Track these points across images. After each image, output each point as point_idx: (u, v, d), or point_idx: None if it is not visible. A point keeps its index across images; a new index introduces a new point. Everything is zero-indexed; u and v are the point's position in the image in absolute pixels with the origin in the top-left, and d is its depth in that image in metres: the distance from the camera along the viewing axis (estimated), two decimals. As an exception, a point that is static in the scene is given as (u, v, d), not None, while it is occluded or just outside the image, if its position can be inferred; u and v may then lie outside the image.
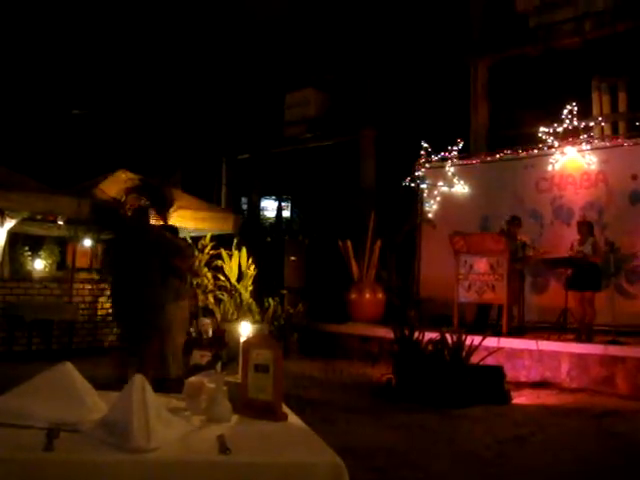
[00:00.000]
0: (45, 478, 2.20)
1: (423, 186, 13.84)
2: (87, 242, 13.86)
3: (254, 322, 11.12)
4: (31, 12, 16.73)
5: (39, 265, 14.84)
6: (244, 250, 12.93)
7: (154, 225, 7.36)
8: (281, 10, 16.52)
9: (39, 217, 12.53)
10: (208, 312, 12.13)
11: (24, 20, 16.77)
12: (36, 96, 17.40)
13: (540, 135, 12.28)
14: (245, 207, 19.63)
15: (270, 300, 12.83)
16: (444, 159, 13.58)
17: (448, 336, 8.79)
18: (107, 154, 15.89)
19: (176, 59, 17.60)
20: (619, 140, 12.22)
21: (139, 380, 2.54)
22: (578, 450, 6.34)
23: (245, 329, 3.26)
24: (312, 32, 16.49)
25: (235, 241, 13.22)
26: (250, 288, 12.75)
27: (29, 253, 14.91)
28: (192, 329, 3.42)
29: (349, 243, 13.41)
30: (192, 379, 3.04)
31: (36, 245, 14.99)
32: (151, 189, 7.73)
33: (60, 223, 12.52)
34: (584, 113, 12.44)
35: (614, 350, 9.52)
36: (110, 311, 10.80)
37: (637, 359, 9.29)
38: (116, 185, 10.80)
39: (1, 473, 2.18)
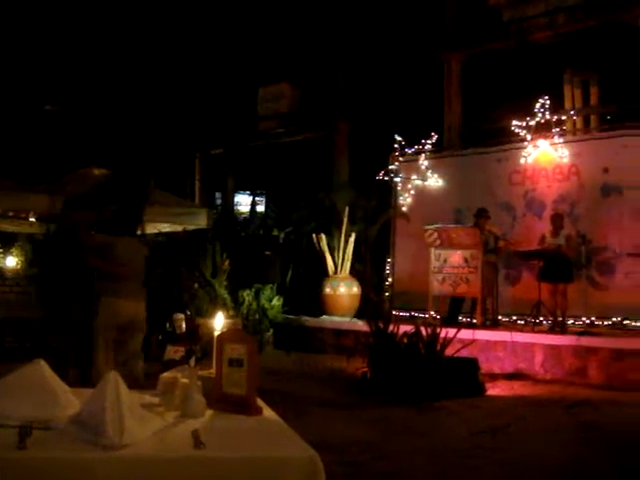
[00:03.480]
0: (18, 477, 2.18)
1: (397, 180, 13.88)
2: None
3: (228, 317, 11.09)
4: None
5: (11, 262, 14.67)
6: (218, 245, 12.88)
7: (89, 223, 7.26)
8: (254, 4, 16.47)
9: (11, 214, 12.37)
10: (182, 307, 12.08)
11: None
12: (7, 92, 17.19)
13: (513, 129, 12.37)
14: (219, 202, 19.56)
15: (245, 295, 12.80)
16: (418, 153, 13.63)
17: (423, 329, 8.82)
18: (80, 150, 15.75)
19: (149, 55, 17.47)
20: (591, 134, 12.34)
21: (113, 376, 2.52)
22: (552, 440, 6.41)
23: (219, 324, 3.25)
24: (285, 26, 16.45)
25: (209, 236, 13.18)
26: (225, 283, 12.72)
27: (0, 250, 14.73)
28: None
29: (323, 237, 13.42)
30: (166, 374, 3.03)
31: (8, 242, 14.80)
32: (125, 183, 7.68)
33: (32, 220, 12.38)
34: (556, 107, 12.53)
35: (586, 341, 9.63)
36: None
37: (609, 350, 9.40)
38: (89, 181, 10.72)
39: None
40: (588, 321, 10.19)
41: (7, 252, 14.77)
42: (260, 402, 2.99)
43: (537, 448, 6.16)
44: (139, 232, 12.91)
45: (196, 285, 12.63)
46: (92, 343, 6.08)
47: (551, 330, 10.29)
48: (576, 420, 7.26)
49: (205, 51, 17.37)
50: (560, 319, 10.36)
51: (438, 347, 8.65)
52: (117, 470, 2.24)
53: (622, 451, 6.06)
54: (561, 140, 12.04)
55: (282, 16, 16.43)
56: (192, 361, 2.90)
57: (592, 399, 8.29)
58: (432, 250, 11.43)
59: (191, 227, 13.27)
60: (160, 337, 9.81)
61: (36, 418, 2.46)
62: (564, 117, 12.54)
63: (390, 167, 13.92)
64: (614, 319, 10.78)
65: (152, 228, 12.72)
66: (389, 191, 14.02)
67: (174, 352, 3.15)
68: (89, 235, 6.64)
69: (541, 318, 10.69)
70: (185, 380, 2.91)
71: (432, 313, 11.44)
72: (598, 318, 10.72)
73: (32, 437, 2.30)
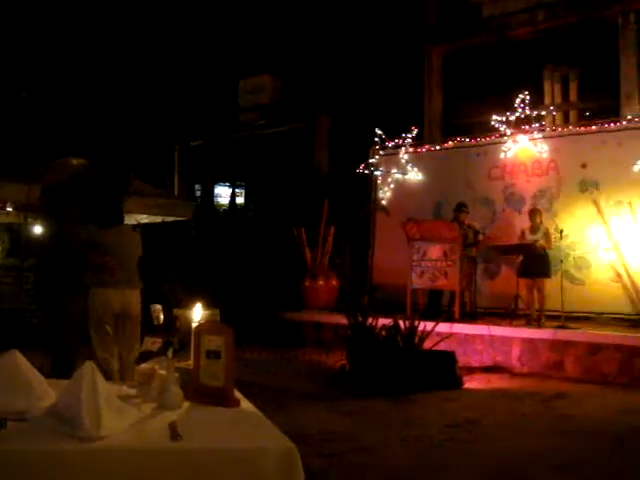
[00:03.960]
0: (-8, 468, 2.17)
1: (377, 173, 13.90)
2: (37, 229, 13.60)
3: (207, 308, 11.05)
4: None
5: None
6: (197, 237, 12.85)
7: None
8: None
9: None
10: (160, 298, 12.03)
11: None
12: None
13: (493, 123, 12.42)
14: (199, 194, 19.47)
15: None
16: (398, 146, 13.66)
17: (401, 322, 8.85)
18: (58, 140, 15.60)
19: (129, 45, 17.33)
20: (570, 129, 12.43)
21: (89, 368, 2.51)
22: (528, 433, 6.46)
23: (197, 315, 3.24)
24: (267, 18, 16.38)
25: (189, 228, 13.13)
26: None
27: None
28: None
29: (303, 230, 13.41)
30: (143, 366, 3.02)
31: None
32: (104, 174, 7.61)
33: (9, 210, 12.25)
34: (536, 102, 12.60)
35: (563, 335, 9.71)
36: None
37: (585, 343, 9.50)
38: (67, 170, 10.61)
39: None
40: (565, 315, 10.27)
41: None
42: (238, 394, 2.99)
43: (511, 440, 6.21)
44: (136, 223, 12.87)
45: (175, 276, 12.59)
46: (88, 335, 6.05)
47: (528, 324, 10.37)
48: (552, 413, 7.33)
49: (186, 42, 17.26)
50: (537, 313, 10.44)
51: (416, 340, 8.69)
52: (94, 462, 2.24)
53: (594, 441, 6.14)
54: (540, 135, 12.12)
55: (264, 8, 16.36)
56: (170, 352, 2.89)
57: (568, 392, 8.38)
58: (411, 243, 11.47)
59: (170, 219, 13.20)
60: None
61: (10, 409, 2.44)
62: (543, 112, 12.62)
63: (370, 160, 13.94)
64: (591, 314, 10.89)
65: (130, 219, 12.64)
66: (369, 184, 14.03)
67: (152, 343, 3.14)
68: (78, 226, 6.57)
69: (521, 311, 10.76)
70: (162, 372, 2.91)
71: (411, 306, 11.48)
72: (574, 312, 10.81)
73: (7, 429, 2.28)
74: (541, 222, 10.78)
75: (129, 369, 5.87)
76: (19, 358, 2.76)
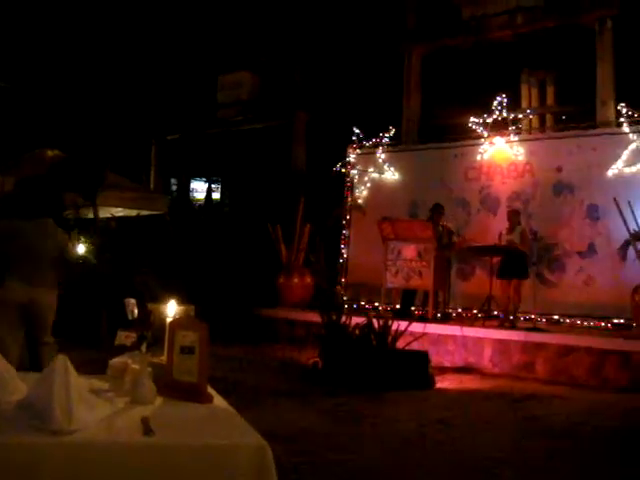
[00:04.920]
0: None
1: (354, 172, 13.92)
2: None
3: (182, 304, 11.00)
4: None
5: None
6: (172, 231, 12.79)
7: None
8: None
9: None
10: (134, 292, 11.95)
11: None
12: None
13: (470, 125, 12.49)
14: (175, 188, 19.38)
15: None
16: (375, 145, 13.68)
17: (375, 321, 8.88)
18: (33, 132, 15.44)
19: (107, 38, 17.18)
20: (546, 133, 12.53)
21: (61, 361, 2.49)
22: (497, 432, 6.52)
23: (172, 310, 3.23)
24: (246, 14, 16.33)
25: (164, 222, 13.08)
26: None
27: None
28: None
29: (279, 227, 13.41)
30: (116, 360, 3.00)
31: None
32: (79, 166, 7.52)
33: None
34: (513, 105, 12.69)
35: (535, 337, 9.79)
36: None
37: (556, 345, 9.58)
38: (42, 162, 10.53)
39: None
40: (536, 317, 10.36)
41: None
42: (211, 390, 2.98)
43: (480, 439, 6.27)
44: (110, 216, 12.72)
45: (149, 270, 12.51)
46: None
47: (501, 325, 10.44)
48: (520, 413, 7.40)
49: (165, 37, 17.16)
50: (512, 315, 10.50)
51: (389, 339, 8.73)
52: (65, 456, 2.23)
53: (559, 440, 6.22)
54: (517, 138, 12.21)
55: (244, 4, 16.30)
56: (143, 347, 2.88)
57: (538, 393, 8.46)
58: (386, 243, 11.50)
59: (145, 212, 13.14)
60: (109, 323, 9.72)
61: (-19, 402, 2.42)
62: (520, 115, 12.71)
63: (347, 159, 13.96)
64: (563, 317, 10.99)
65: (105, 212, 12.57)
66: (345, 183, 14.04)
67: (125, 337, 3.12)
68: None
69: (494, 312, 10.84)
70: (136, 366, 2.89)
71: (384, 305, 11.53)
72: (546, 314, 10.92)
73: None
74: (519, 223, 10.86)
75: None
76: (-10, 350, 2.74)
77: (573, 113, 12.54)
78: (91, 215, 11.82)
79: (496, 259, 10.80)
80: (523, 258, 10.56)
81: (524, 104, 13.27)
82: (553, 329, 10.24)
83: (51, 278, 6.06)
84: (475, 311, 11.14)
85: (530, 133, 12.59)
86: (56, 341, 6.17)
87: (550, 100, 13.22)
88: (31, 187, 6.28)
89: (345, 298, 13.15)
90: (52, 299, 6.09)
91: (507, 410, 7.59)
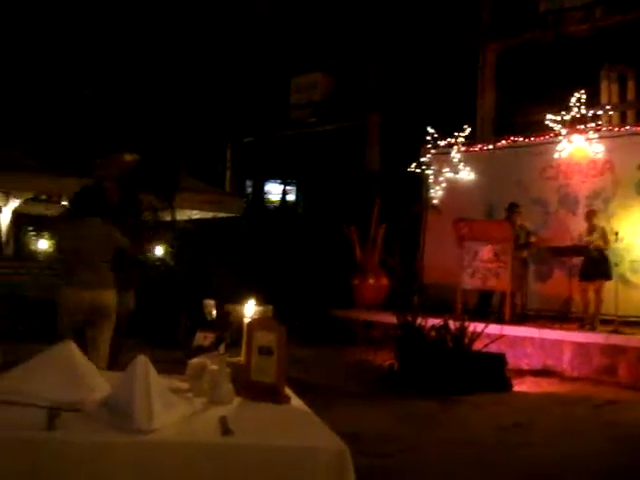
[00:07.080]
0: (45, 457, 2.20)
1: (428, 172, 13.78)
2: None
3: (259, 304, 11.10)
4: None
5: (43, 245, 14.83)
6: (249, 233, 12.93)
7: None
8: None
9: (43, 197, 12.50)
10: (212, 293, 12.12)
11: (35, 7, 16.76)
12: (41, 77, 17.35)
13: (547, 123, 12.21)
14: (250, 190, 19.58)
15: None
16: (450, 145, 13.52)
17: (451, 323, 8.78)
18: (112, 136, 15.85)
19: (184, 43, 17.50)
20: (627, 129, 12.16)
21: (142, 360, 2.53)
22: (577, 439, 6.35)
23: (249, 311, 3.25)
24: (319, 16, 16.39)
25: (240, 224, 13.24)
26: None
27: (33, 233, 14.89)
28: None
29: (353, 228, 13.39)
30: (195, 360, 3.03)
31: (40, 225, 14.96)
32: (156, 169, 7.67)
33: (64, 203, 12.50)
34: (592, 101, 12.35)
35: (616, 340, 9.52)
36: None
37: (638, 349, 9.28)
38: (120, 166, 10.78)
39: (2, 451, 2.18)
40: (619, 320, 10.06)
41: (39, 235, 14.93)
42: (288, 391, 2.98)
43: (561, 445, 6.12)
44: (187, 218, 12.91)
45: (226, 272, 12.68)
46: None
47: (581, 327, 10.18)
48: (603, 419, 7.19)
49: (240, 42, 17.37)
50: (592, 317, 10.23)
51: (466, 341, 8.60)
52: (144, 454, 2.25)
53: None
54: (596, 135, 11.88)
55: (317, 6, 16.37)
56: (222, 348, 2.90)
57: (620, 399, 8.21)
58: (462, 243, 11.37)
59: (221, 214, 13.32)
60: (189, 323, 9.86)
61: (64, 399, 2.47)
62: (600, 112, 12.36)
63: (422, 159, 13.84)
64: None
65: (182, 215, 12.79)
66: (420, 183, 13.93)
67: (203, 338, 3.15)
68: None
69: (572, 315, 10.59)
70: (214, 367, 2.92)
71: (461, 307, 11.38)
72: (628, 317, 10.58)
73: (61, 419, 2.30)
74: (598, 223, 10.58)
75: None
76: (73, 349, 2.79)
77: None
78: (169, 218, 12.05)
79: (576, 260, 10.54)
80: (606, 259, 10.27)
81: (604, 100, 12.90)
82: (635, 332, 9.93)
83: (108, 278, 5.97)
84: (554, 313, 10.89)
85: (610, 130, 12.23)
86: (135, 342, 6.27)
87: (631, 95, 12.83)
88: (88, 190, 6.28)
89: (421, 299, 13.03)
90: (110, 298, 5.98)
91: (588, 415, 7.39)
